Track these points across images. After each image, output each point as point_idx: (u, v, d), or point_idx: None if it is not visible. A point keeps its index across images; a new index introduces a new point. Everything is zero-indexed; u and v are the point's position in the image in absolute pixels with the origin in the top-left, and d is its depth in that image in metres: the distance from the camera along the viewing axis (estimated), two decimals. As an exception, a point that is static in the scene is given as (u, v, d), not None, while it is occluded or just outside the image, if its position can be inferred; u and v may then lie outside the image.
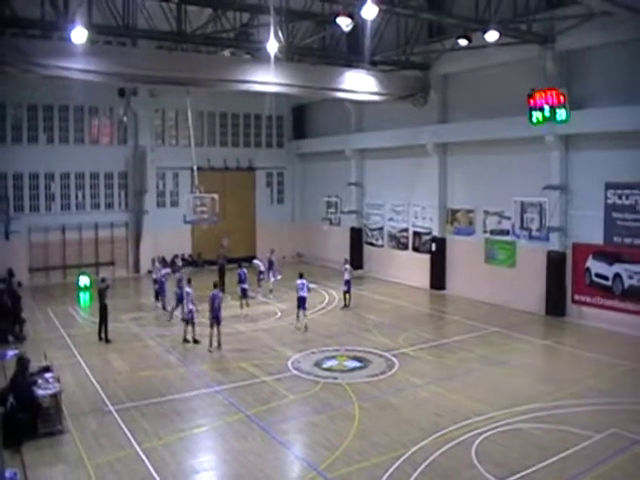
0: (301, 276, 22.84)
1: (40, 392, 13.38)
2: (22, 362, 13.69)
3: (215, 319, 19.53)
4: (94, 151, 32.71)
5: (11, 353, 15.70)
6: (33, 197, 31.07)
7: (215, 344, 19.56)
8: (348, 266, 26.01)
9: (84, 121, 32.53)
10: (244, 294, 24.21)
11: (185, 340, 20.28)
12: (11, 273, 23.92)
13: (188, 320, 20.28)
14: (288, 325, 22.67)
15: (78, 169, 32.30)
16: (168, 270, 25.76)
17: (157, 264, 27.05)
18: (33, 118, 30.95)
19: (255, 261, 28.90)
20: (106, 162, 32.95)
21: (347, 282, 25.43)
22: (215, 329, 19.55)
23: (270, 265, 28.07)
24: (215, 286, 20.67)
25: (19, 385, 13.13)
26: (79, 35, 18.11)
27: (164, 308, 24.57)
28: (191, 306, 20.18)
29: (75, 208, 32.26)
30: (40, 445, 12.57)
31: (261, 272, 27.70)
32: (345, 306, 25.47)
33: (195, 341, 20.27)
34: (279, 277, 28.03)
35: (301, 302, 22.23)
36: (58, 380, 14.09)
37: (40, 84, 26.31)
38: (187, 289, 20.54)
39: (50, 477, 11.49)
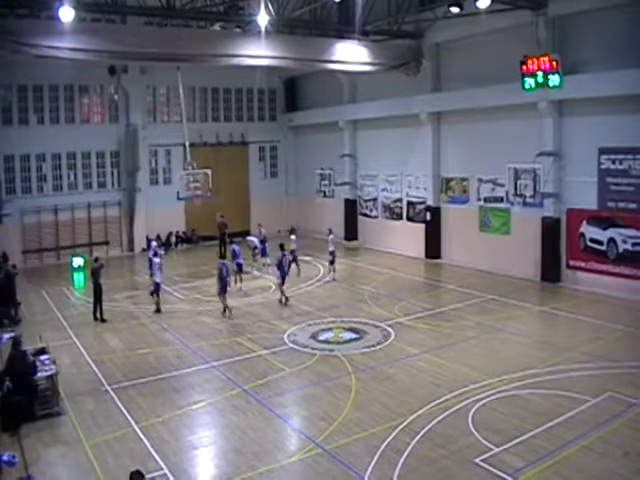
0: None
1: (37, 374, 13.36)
2: (18, 345, 13.68)
3: (222, 288, 20.37)
4: (85, 130, 32.33)
5: (7, 336, 15.69)
6: (25, 179, 30.74)
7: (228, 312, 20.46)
8: (332, 236, 26.21)
9: (74, 100, 32.08)
10: (239, 269, 24.27)
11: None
12: (5, 257, 23.75)
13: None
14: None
15: (69, 149, 31.95)
16: (161, 251, 25.71)
17: (153, 243, 27.00)
18: (23, 99, 30.51)
19: (249, 237, 28.77)
20: (98, 141, 32.60)
21: (331, 253, 25.46)
22: (222, 297, 20.42)
23: (263, 240, 27.79)
24: (221, 257, 21.75)
25: (16, 368, 13.10)
26: (67, 13, 17.88)
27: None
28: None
29: (67, 188, 31.97)
30: (38, 427, 12.57)
31: (255, 247, 27.58)
32: (333, 279, 25.30)
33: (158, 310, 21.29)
34: (268, 260, 27.21)
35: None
36: (54, 362, 14.06)
37: (29, 64, 26.01)
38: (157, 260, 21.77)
39: (49, 458, 11.49)
